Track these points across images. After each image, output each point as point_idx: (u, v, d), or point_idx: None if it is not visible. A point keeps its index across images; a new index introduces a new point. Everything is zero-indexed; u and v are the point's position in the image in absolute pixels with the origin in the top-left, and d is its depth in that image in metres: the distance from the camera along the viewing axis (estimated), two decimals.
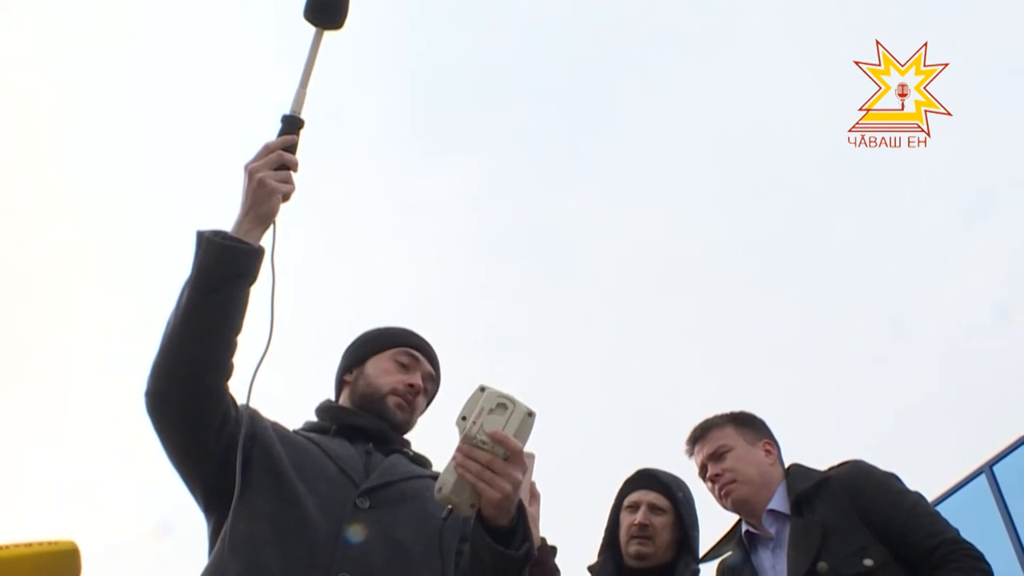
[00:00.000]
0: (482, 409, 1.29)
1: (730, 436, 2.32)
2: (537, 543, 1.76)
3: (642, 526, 2.30)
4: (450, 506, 1.33)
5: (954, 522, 2.12)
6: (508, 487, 1.28)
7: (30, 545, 1.56)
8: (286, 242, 1.52)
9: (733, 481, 2.25)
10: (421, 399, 1.80)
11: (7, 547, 1.53)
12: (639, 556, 2.29)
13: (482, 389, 1.31)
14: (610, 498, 2.49)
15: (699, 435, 2.37)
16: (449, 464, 1.30)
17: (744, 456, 2.28)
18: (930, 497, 2.31)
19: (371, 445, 1.67)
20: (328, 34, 1.63)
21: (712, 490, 2.32)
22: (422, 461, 1.75)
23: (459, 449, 1.29)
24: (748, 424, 2.36)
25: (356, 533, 1.49)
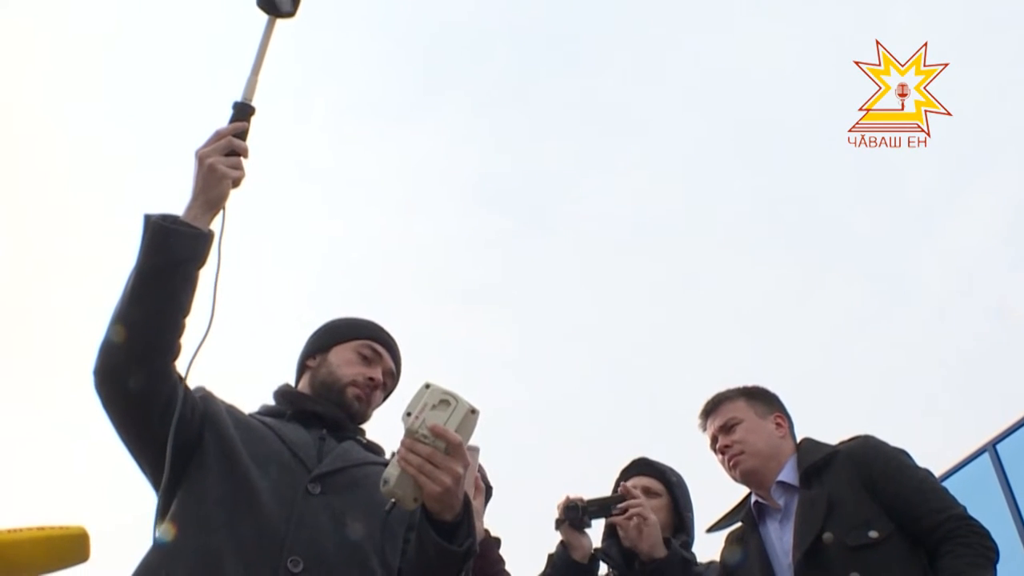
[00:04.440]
0: (425, 405, 1.34)
1: (741, 409, 2.36)
2: (481, 535, 1.84)
3: None
4: (394, 499, 1.37)
5: None
6: (448, 480, 1.32)
7: (42, 529, 1.58)
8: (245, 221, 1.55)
9: (741, 453, 2.29)
10: (379, 393, 1.84)
11: (20, 530, 1.55)
12: None
13: (427, 386, 1.36)
14: (597, 468, 2.57)
15: (711, 408, 2.41)
16: (394, 458, 1.36)
17: (754, 428, 2.32)
18: None
19: (325, 431, 1.70)
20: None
21: (722, 462, 2.36)
22: (375, 449, 1.78)
23: (402, 443, 1.34)
24: (759, 398, 2.40)
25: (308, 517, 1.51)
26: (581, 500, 2.33)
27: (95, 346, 1.48)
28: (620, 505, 2.26)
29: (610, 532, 2.47)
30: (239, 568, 1.40)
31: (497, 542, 2.17)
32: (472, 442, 1.85)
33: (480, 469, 2.17)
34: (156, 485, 1.55)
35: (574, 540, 2.31)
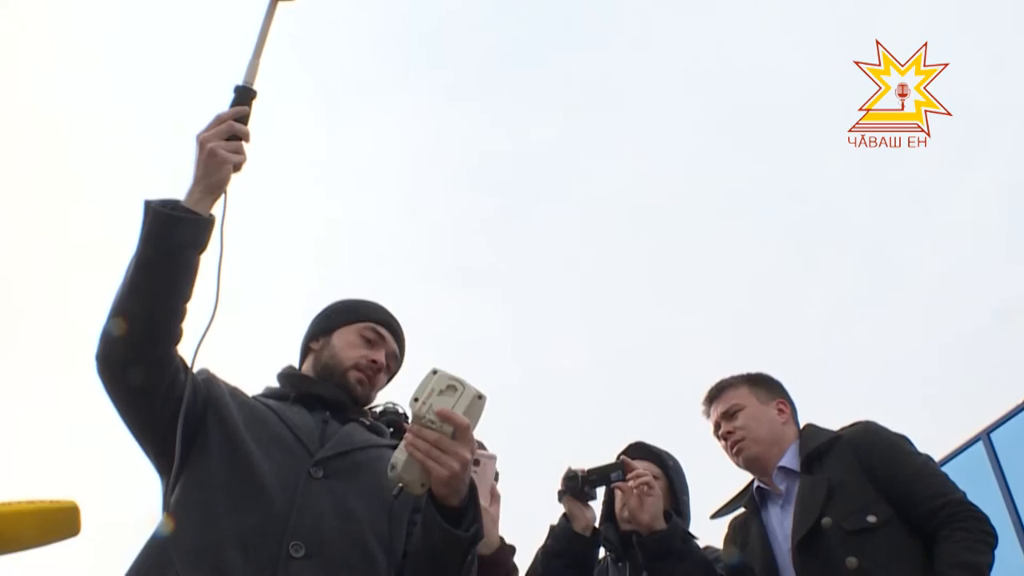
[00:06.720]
0: (432, 390, 1.35)
1: (743, 395, 2.37)
2: (496, 543, 1.81)
3: None
4: (401, 484, 1.37)
5: None
6: (455, 465, 1.32)
7: (32, 502, 1.56)
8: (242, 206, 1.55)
9: (744, 439, 2.30)
10: (382, 376, 1.83)
11: (10, 504, 1.53)
12: None
13: (434, 372, 1.37)
14: (593, 450, 2.57)
15: (714, 395, 2.43)
16: (401, 444, 1.36)
17: (756, 414, 2.33)
18: None
19: (328, 414, 1.69)
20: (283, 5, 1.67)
21: (725, 448, 2.37)
22: (379, 430, 1.77)
23: (409, 429, 1.35)
24: (762, 384, 2.41)
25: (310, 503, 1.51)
26: (582, 470, 2.32)
27: (97, 334, 1.48)
28: (629, 475, 2.26)
29: (607, 515, 2.49)
30: (240, 554, 1.39)
31: (512, 550, 2.16)
32: (488, 451, 1.85)
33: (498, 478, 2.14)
34: (160, 469, 1.55)
35: (576, 511, 2.31)
